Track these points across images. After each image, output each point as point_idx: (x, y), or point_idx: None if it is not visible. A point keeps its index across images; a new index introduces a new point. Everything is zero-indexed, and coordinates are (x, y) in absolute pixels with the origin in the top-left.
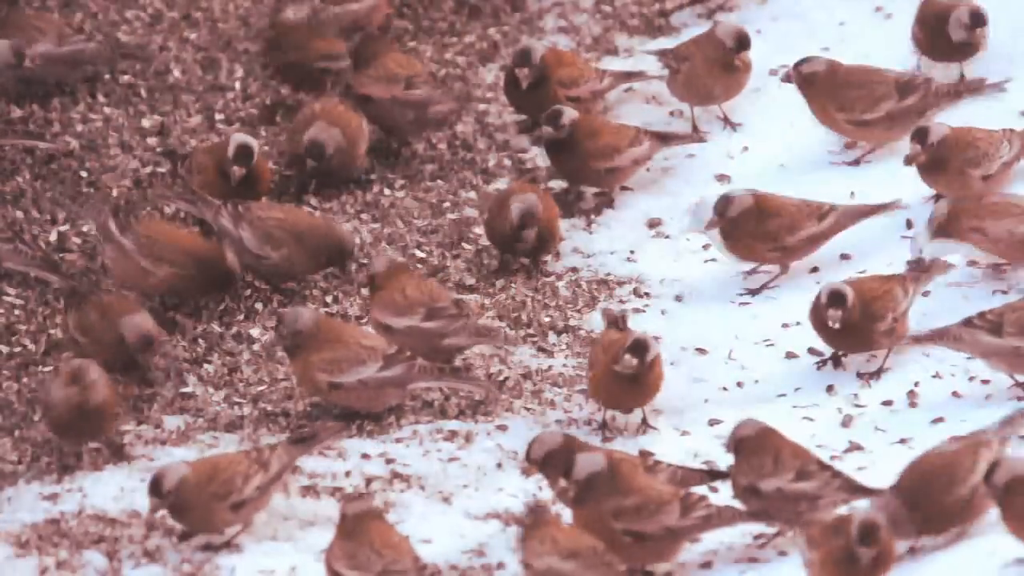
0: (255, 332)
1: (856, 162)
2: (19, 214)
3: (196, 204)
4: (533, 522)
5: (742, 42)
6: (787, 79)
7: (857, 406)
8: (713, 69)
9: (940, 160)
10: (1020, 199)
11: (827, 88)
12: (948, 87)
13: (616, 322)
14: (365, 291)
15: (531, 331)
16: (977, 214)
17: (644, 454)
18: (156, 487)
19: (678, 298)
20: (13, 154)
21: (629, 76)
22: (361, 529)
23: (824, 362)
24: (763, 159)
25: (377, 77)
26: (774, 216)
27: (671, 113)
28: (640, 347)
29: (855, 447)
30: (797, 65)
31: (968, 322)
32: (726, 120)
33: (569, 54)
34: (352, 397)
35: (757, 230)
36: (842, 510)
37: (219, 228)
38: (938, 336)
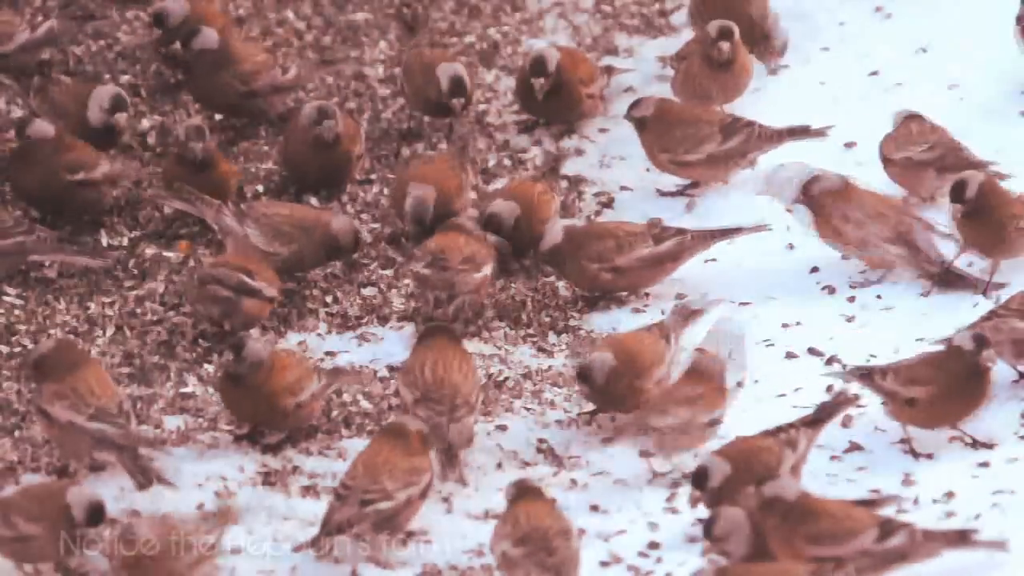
0: (254, 332)
1: (681, 193)
2: (18, 214)
3: (195, 204)
4: (511, 497)
5: (723, 33)
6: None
7: (857, 406)
8: (708, 69)
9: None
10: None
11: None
12: (772, 131)
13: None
14: (365, 291)
15: (531, 331)
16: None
17: None
18: None
19: (679, 297)
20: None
21: (610, 70)
22: None
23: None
24: (762, 159)
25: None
26: (597, 239)
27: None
28: (584, 373)
29: (855, 447)
30: (630, 108)
31: (994, 314)
32: None
33: (579, 52)
34: (304, 415)
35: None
36: None
37: (221, 227)
38: None
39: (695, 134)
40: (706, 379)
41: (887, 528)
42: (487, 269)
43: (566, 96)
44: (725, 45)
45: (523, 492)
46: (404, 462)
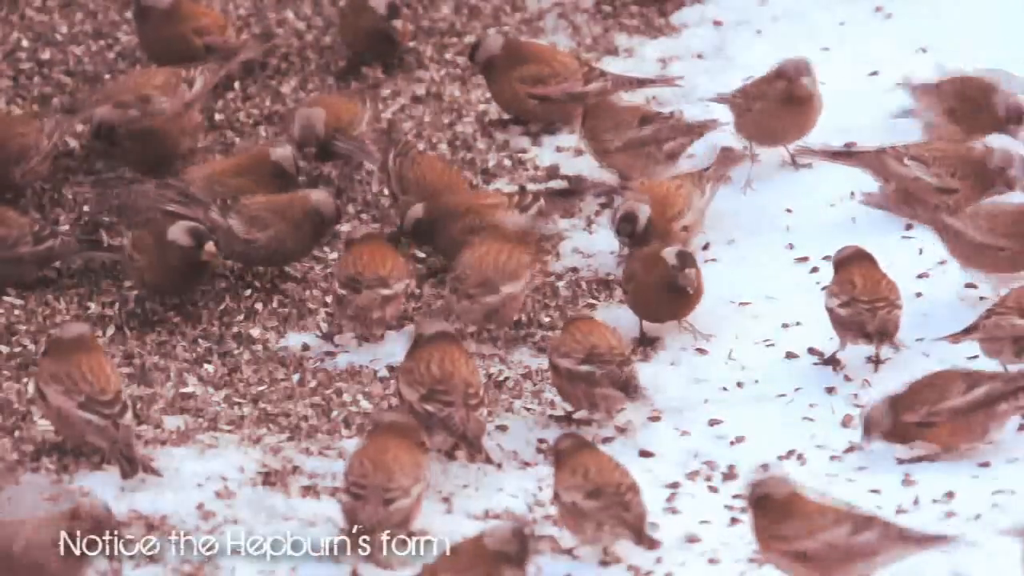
0: (255, 332)
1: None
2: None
3: (188, 204)
4: (570, 448)
5: (794, 73)
6: None
7: (857, 406)
8: (783, 107)
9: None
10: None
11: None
12: (687, 124)
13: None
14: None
15: (531, 331)
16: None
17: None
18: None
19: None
20: None
21: (638, 82)
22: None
23: (825, 362)
24: (763, 159)
25: None
26: (466, 214)
27: (671, 113)
28: (686, 258)
29: (855, 447)
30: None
31: (992, 312)
32: (793, 160)
33: (547, 51)
34: None
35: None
36: None
37: (211, 223)
38: (973, 330)
39: (617, 122)
40: None
41: (860, 524)
42: (512, 287)
43: (503, 90)
44: (807, 80)
45: (581, 445)
46: (410, 457)
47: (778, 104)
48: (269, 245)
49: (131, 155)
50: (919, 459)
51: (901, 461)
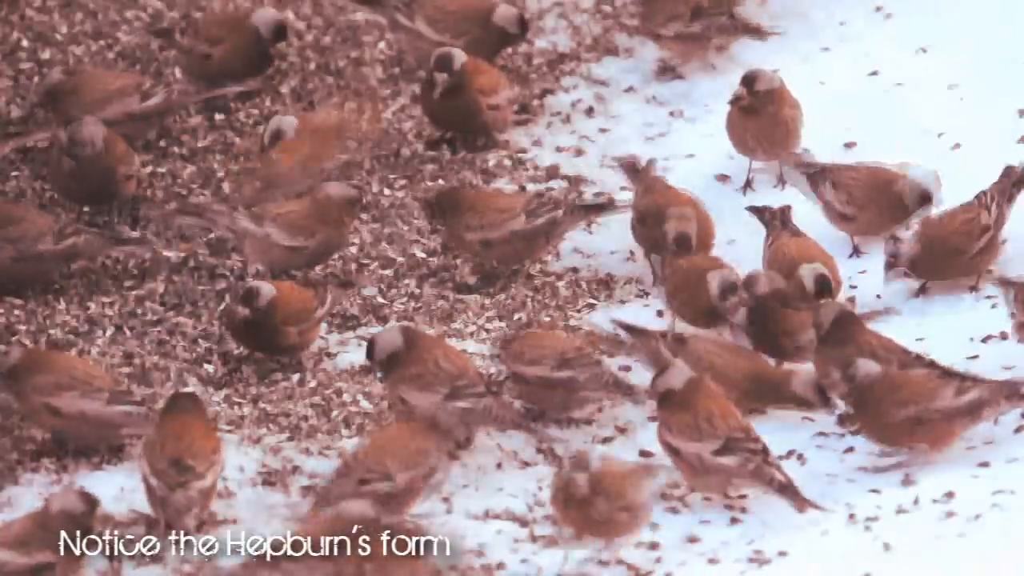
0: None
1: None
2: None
3: (204, 215)
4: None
5: (746, 81)
6: None
7: None
8: (743, 115)
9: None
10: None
11: None
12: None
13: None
14: (365, 291)
15: (531, 331)
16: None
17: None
18: None
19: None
20: (12, 154)
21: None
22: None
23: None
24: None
25: None
26: (468, 210)
27: (671, 113)
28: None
29: (855, 447)
30: None
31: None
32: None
33: (484, 64)
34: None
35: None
36: None
37: (237, 230)
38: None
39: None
40: None
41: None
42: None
43: (464, 104)
44: (740, 91)
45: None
46: (410, 443)
47: (736, 113)
48: (318, 250)
49: (65, 182)
50: (893, 466)
51: (876, 469)
